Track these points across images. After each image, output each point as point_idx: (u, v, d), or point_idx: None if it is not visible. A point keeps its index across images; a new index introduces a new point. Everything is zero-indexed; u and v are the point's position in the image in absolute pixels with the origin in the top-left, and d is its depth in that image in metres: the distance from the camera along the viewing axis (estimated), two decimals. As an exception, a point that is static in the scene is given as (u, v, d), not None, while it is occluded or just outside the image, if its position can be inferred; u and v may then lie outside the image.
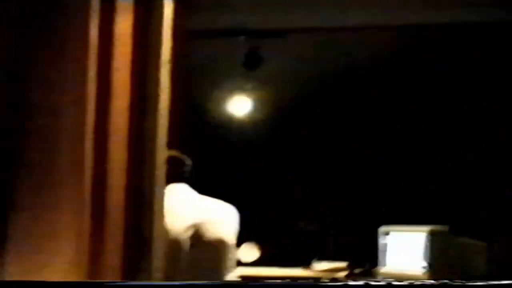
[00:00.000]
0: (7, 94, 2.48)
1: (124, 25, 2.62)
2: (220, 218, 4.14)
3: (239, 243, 5.67)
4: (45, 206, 2.42)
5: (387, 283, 2.11)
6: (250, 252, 5.64)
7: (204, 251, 4.01)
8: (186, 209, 4.10)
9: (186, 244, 3.93)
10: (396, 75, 6.03)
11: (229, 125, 6.62)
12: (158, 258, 2.91)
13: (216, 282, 2.28)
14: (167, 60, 2.81)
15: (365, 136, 7.15)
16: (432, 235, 4.64)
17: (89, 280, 2.44)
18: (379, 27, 5.39)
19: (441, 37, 5.71)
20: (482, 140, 6.64)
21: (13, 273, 2.39)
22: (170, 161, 4.28)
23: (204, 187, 4.15)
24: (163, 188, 2.97)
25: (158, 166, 2.83)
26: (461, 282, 2.13)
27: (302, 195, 7.51)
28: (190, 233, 3.97)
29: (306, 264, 5.54)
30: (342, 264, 5.39)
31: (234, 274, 4.12)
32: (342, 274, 5.22)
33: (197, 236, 3.98)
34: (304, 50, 5.72)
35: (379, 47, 5.68)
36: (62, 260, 2.39)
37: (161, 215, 2.97)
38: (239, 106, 6.28)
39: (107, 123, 2.56)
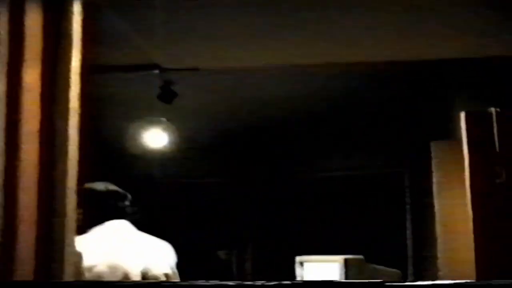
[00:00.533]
0: None
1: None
2: (161, 256, 4.11)
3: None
4: None
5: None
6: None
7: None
8: (129, 246, 4.06)
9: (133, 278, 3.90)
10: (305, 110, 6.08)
11: (146, 158, 6.57)
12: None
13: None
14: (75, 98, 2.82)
15: (278, 167, 7.21)
16: (347, 264, 4.70)
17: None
18: (287, 65, 5.44)
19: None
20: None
21: None
22: (108, 194, 4.27)
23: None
24: (73, 234, 2.92)
25: (69, 211, 2.79)
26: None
27: (220, 225, 7.50)
28: (139, 268, 3.94)
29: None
30: (261, 295, 5.36)
31: None
32: (261, 304, 5.19)
33: (145, 274, 3.95)
34: (217, 85, 5.73)
35: (290, 83, 5.71)
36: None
37: (72, 261, 2.94)
38: (156, 139, 6.24)
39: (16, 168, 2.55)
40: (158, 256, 4.09)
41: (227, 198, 7.45)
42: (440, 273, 5.03)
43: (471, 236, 4.11)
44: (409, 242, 6.26)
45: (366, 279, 4.75)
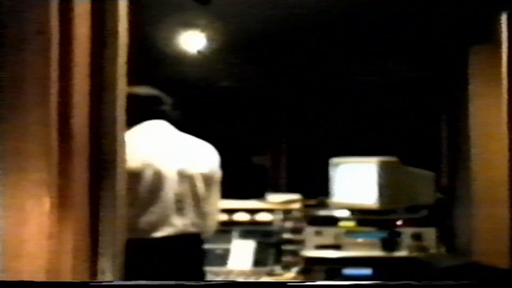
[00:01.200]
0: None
1: None
2: (202, 155, 4.06)
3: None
4: (14, 130, 2.47)
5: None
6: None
7: (190, 184, 4.01)
8: (166, 145, 4.11)
9: (167, 177, 3.84)
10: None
11: (183, 61, 6.57)
12: (121, 180, 3.01)
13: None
14: None
15: (314, 71, 7.19)
16: (382, 166, 4.74)
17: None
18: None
19: None
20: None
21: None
22: (149, 98, 4.32)
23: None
24: (123, 115, 3.03)
25: (119, 94, 2.90)
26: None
27: (256, 129, 7.56)
28: (175, 167, 3.89)
29: (260, 197, 5.62)
30: (295, 196, 5.47)
31: (217, 208, 4.16)
32: (296, 205, 5.30)
33: (180, 173, 4.00)
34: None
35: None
36: (31, 178, 2.45)
37: (123, 141, 3.06)
38: (193, 41, 6.24)
39: (70, 53, 2.61)
40: (197, 155, 4.04)
41: (262, 102, 7.48)
42: (473, 175, 5.06)
43: (505, 141, 4.18)
44: (443, 146, 6.28)
45: (400, 180, 4.81)
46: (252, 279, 4.87)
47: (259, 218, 5.40)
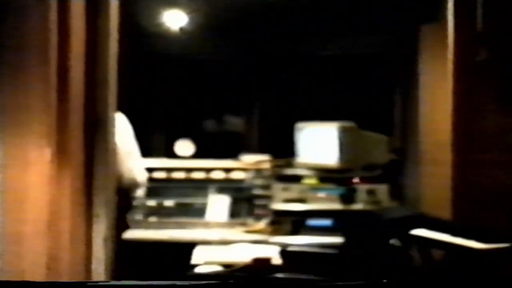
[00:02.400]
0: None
1: None
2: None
3: (175, 139, 5.82)
4: (18, 88, 2.51)
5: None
6: (185, 147, 5.76)
7: None
8: None
9: None
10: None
11: (166, 37, 6.56)
12: (111, 136, 3.07)
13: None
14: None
15: (284, 46, 7.22)
16: (341, 130, 4.82)
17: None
18: None
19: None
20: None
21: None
22: None
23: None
24: (115, 80, 3.09)
25: (111, 62, 2.95)
26: None
27: (229, 92, 7.56)
28: None
29: (234, 157, 5.66)
30: (265, 157, 5.52)
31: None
32: (266, 165, 5.36)
33: None
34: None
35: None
36: (34, 130, 2.50)
37: (113, 102, 3.12)
38: (175, 18, 6.24)
39: (68, 20, 2.64)
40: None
41: (237, 73, 7.49)
42: (421, 139, 5.14)
43: (449, 109, 4.24)
44: (396, 113, 6.35)
45: (357, 142, 4.89)
46: (227, 230, 4.95)
47: (233, 176, 5.45)
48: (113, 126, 3.20)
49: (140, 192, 4.55)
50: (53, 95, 2.54)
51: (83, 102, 2.81)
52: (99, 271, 2.97)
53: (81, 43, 2.77)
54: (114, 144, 3.20)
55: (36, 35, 2.49)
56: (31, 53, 2.50)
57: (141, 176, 4.50)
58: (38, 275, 2.49)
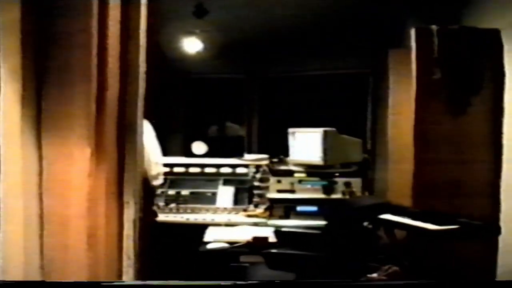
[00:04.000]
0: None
1: None
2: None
3: (190, 141, 5.82)
4: (64, 99, 2.52)
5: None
6: (200, 147, 5.77)
7: None
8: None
9: None
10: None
11: (185, 59, 6.58)
12: (140, 138, 3.07)
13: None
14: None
15: (279, 67, 7.23)
16: (325, 134, 4.84)
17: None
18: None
19: None
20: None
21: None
22: None
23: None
24: (143, 91, 3.08)
25: (140, 76, 2.96)
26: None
27: (234, 104, 7.56)
28: None
29: (239, 156, 5.67)
30: (264, 156, 5.54)
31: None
32: (264, 162, 5.36)
33: None
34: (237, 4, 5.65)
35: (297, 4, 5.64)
36: (77, 133, 2.51)
37: (141, 109, 3.11)
38: (192, 45, 6.25)
39: (105, 44, 2.65)
40: None
41: (242, 89, 7.50)
42: (389, 141, 5.15)
43: (411, 118, 4.22)
44: (368, 122, 6.37)
45: (337, 144, 4.90)
46: (232, 214, 4.95)
47: (238, 171, 5.45)
48: (141, 130, 3.20)
49: (159, 182, 4.55)
50: (92, 106, 2.55)
51: (117, 110, 2.82)
52: (129, 247, 2.98)
53: (116, 62, 2.78)
54: (141, 144, 3.22)
55: (79, 58, 2.50)
56: (76, 73, 2.51)
57: (161, 170, 4.52)
58: (79, 250, 2.51)
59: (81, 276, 2.45)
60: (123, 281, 2.75)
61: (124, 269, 2.87)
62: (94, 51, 2.54)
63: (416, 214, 3.34)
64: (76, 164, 2.48)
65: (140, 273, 3.03)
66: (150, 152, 4.35)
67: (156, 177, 4.44)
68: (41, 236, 2.47)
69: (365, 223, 3.62)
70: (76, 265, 2.46)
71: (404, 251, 3.61)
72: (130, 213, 2.92)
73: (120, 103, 2.84)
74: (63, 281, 2.44)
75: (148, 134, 4.36)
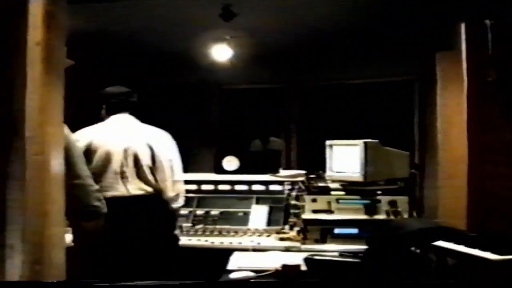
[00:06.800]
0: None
1: None
2: (151, 138, 3.98)
3: (223, 156, 5.42)
4: None
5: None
6: (232, 162, 5.38)
7: (134, 160, 3.90)
8: (119, 131, 3.97)
9: (114, 154, 3.85)
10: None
11: (216, 68, 6.25)
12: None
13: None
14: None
15: (318, 76, 6.85)
16: (366, 147, 4.34)
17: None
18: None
19: None
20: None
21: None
22: (122, 94, 4.10)
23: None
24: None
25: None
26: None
27: (270, 116, 7.24)
28: (121, 147, 3.87)
29: (275, 172, 5.25)
30: (300, 171, 5.12)
31: (169, 178, 4.00)
32: (300, 178, 4.92)
33: (126, 150, 3.88)
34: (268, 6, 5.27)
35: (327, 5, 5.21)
36: None
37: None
38: (222, 52, 5.89)
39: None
40: (144, 139, 3.95)
41: (278, 100, 7.14)
42: (440, 156, 4.65)
43: (464, 128, 3.84)
44: (415, 133, 5.87)
45: (380, 158, 4.41)
46: (264, 237, 4.52)
47: (272, 188, 5.05)
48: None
49: (180, 204, 4.15)
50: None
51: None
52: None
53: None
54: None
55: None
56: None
57: (181, 190, 4.12)
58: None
59: None
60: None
61: None
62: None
63: (473, 239, 2.84)
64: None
65: None
66: (169, 168, 3.96)
67: (175, 198, 4.04)
68: None
69: (413, 248, 3.12)
70: None
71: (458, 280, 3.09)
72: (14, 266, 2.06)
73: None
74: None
75: (168, 147, 4.01)
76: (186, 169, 4.83)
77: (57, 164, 2.39)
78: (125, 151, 3.87)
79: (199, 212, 4.91)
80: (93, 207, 3.09)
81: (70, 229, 3.06)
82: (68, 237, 3.00)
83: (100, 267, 3.38)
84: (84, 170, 3.06)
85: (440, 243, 2.92)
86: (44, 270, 2.20)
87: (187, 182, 4.90)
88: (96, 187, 3.09)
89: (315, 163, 5.14)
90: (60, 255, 2.37)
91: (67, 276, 2.39)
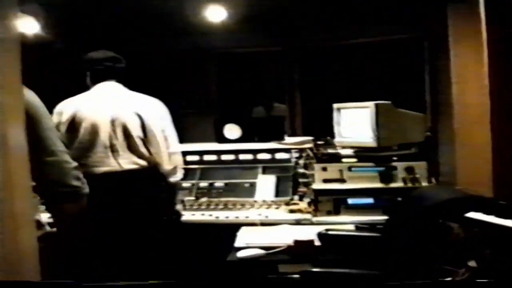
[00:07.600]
0: None
1: None
2: (141, 106, 3.66)
3: (224, 124, 5.13)
4: None
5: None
6: (233, 130, 5.08)
7: (123, 130, 3.59)
8: (113, 104, 3.64)
9: (101, 126, 3.56)
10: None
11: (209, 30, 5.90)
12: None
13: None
14: None
15: (321, 37, 6.52)
16: (377, 109, 4.05)
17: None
18: None
19: None
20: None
21: None
22: (108, 59, 3.75)
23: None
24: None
25: None
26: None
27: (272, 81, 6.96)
28: (108, 117, 3.58)
29: (280, 139, 4.97)
30: (307, 138, 4.84)
31: (164, 149, 3.71)
32: (308, 145, 4.65)
33: (113, 120, 3.57)
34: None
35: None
36: None
37: None
38: (216, 13, 5.55)
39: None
40: (133, 107, 3.63)
41: (280, 63, 6.82)
42: (455, 117, 4.35)
43: (481, 86, 3.56)
44: (427, 94, 5.57)
45: (393, 121, 4.12)
46: (272, 209, 4.26)
47: (278, 157, 4.78)
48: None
49: (178, 178, 3.88)
50: None
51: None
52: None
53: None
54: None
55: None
56: None
57: (178, 162, 3.84)
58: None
59: None
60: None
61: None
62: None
63: (504, 208, 2.58)
64: None
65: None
66: (163, 138, 3.67)
67: (172, 172, 3.76)
68: None
69: (439, 221, 2.84)
70: None
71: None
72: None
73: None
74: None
75: (161, 117, 3.70)
76: (186, 139, 4.56)
77: (16, 135, 2.03)
78: (113, 122, 3.54)
79: (203, 184, 4.67)
80: (71, 187, 2.56)
81: (48, 213, 2.70)
82: (44, 219, 2.66)
83: (88, 253, 3.06)
84: (58, 145, 2.54)
85: (471, 215, 2.64)
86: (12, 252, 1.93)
87: (188, 153, 4.65)
88: (74, 164, 2.60)
89: (322, 129, 4.87)
90: (28, 236, 2.06)
91: (48, 265, 2.13)
